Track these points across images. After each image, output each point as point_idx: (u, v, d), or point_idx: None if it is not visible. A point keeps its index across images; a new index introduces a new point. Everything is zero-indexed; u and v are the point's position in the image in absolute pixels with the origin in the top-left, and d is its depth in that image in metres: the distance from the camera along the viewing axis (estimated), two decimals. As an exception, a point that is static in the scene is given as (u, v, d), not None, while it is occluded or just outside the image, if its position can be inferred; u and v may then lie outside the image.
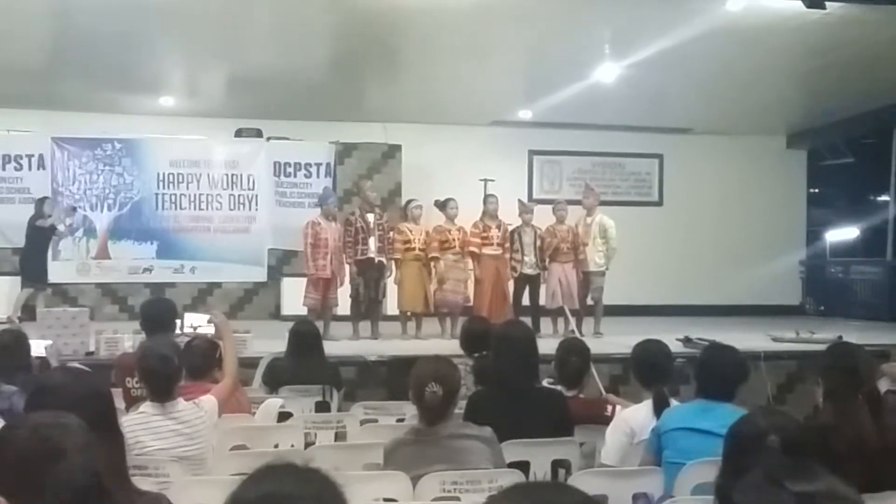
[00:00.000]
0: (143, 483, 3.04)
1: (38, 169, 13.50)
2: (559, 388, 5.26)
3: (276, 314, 13.43)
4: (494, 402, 4.69)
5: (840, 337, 9.30)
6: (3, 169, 13.42)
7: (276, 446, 4.79)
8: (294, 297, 11.77)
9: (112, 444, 2.50)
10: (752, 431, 2.75)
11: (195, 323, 6.47)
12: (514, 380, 4.80)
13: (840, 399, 3.71)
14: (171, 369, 4.21)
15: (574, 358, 5.44)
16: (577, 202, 11.96)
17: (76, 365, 6.03)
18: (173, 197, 13.94)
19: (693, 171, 16.10)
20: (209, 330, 5.60)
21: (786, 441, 2.66)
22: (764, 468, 1.93)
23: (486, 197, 11.86)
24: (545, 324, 11.14)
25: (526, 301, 11.50)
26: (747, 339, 9.70)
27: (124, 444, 2.65)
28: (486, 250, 11.27)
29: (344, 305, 11.10)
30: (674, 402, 4.53)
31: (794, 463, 2.02)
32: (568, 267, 11.41)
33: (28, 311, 11.82)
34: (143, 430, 4.00)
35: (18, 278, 13.02)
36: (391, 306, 11.54)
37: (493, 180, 13.95)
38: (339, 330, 10.74)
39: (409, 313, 11.27)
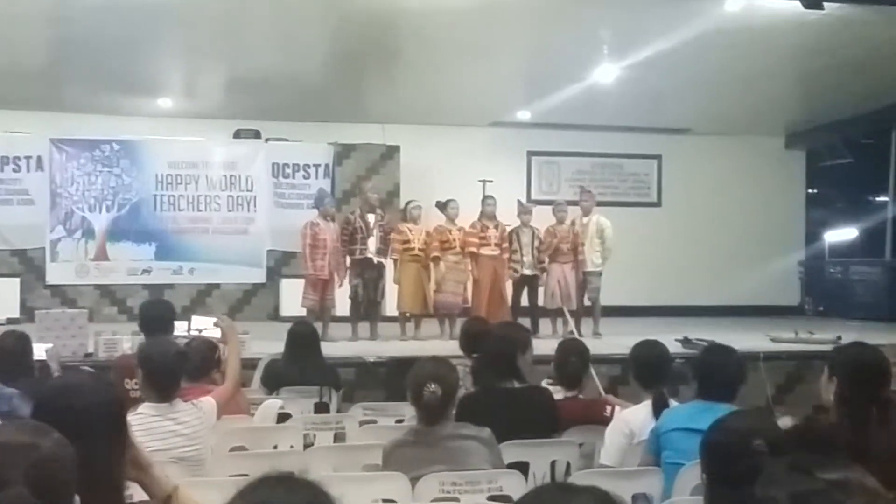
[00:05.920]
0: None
1: (37, 170, 13.47)
2: (558, 388, 5.26)
3: (274, 315, 13.40)
4: (481, 403, 4.69)
5: (839, 337, 9.28)
6: (2, 170, 13.37)
7: (276, 447, 4.78)
8: (293, 298, 11.75)
9: (120, 452, 2.40)
10: (732, 439, 2.70)
11: (200, 326, 6.44)
12: (490, 379, 4.84)
13: (854, 405, 3.54)
14: (177, 368, 4.23)
15: (573, 359, 5.44)
16: (576, 203, 11.99)
17: (87, 369, 6.05)
18: (172, 198, 13.91)
19: (692, 172, 16.08)
20: (215, 333, 5.58)
21: (771, 443, 2.63)
22: (788, 460, 1.91)
23: (484, 198, 11.88)
24: (544, 324, 11.14)
25: (525, 302, 11.51)
26: (746, 339, 9.67)
27: (128, 455, 2.47)
28: (484, 251, 11.28)
29: (343, 306, 11.09)
30: (673, 403, 4.53)
31: (815, 455, 2.00)
32: (567, 267, 11.43)
33: (26, 312, 11.85)
34: (141, 431, 3.96)
35: (17, 280, 13.08)
36: (390, 307, 11.53)
37: (491, 181, 13.93)
38: (338, 331, 10.73)
39: (407, 314, 11.26)
